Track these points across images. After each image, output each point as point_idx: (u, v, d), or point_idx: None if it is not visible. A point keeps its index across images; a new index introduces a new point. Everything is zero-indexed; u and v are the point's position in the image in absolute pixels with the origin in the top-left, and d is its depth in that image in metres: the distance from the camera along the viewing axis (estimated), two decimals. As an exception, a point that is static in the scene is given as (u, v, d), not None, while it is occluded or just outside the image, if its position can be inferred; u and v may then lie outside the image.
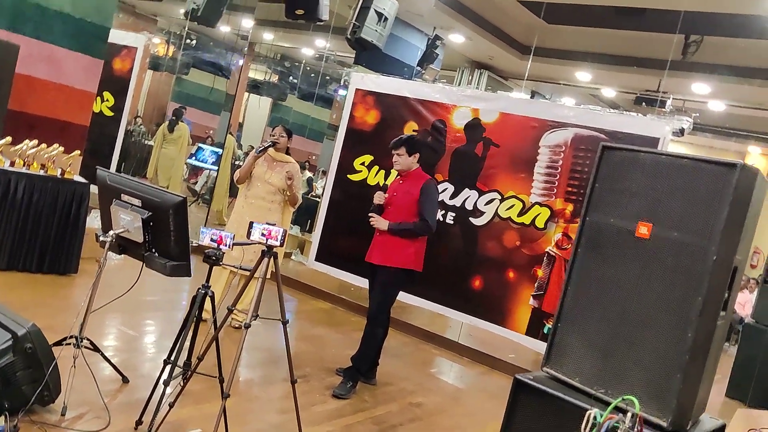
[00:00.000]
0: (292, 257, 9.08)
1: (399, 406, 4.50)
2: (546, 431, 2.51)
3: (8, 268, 5.29)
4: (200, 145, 13.15)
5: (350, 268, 6.51)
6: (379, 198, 4.57)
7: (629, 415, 1.36)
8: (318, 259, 6.99)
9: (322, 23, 7.66)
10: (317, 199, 9.86)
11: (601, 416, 1.24)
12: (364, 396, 4.50)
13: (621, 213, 2.57)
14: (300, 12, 7.33)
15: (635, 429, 1.35)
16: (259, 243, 2.89)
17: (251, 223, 2.92)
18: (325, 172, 10.44)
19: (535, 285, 5.73)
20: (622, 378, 2.40)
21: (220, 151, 11.31)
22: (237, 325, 5.22)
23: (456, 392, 5.33)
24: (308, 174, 12.87)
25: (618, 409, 1.38)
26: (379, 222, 4.51)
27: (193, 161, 12.84)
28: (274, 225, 2.87)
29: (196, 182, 13.26)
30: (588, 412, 1.22)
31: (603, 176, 2.67)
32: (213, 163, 12.38)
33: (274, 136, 5.26)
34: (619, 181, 2.60)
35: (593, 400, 2.32)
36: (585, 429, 1.21)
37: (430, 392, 4.99)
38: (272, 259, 2.92)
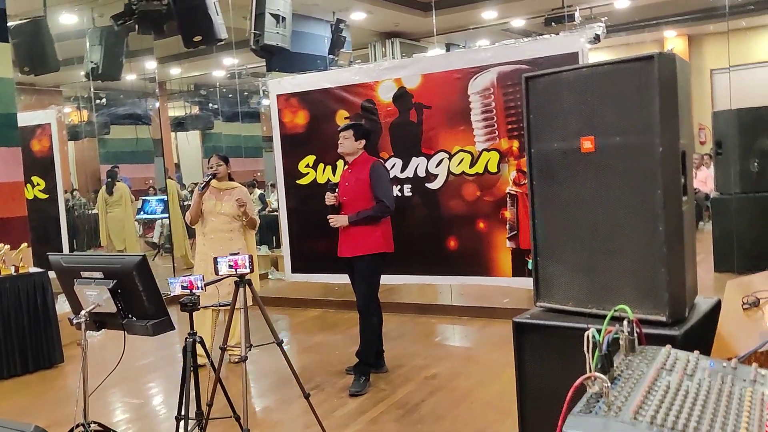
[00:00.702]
0: (269, 276, 9.02)
1: (416, 383, 4.53)
2: (556, 361, 2.55)
3: (-6, 380, 5.17)
4: (144, 198, 12.94)
5: (328, 269, 6.47)
6: (329, 199, 4.55)
7: (625, 323, 1.39)
8: (295, 270, 6.96)
9: (223, 42, 7.55)
10: (275, 213, 9.80)
11: (599, 333, 1.26)
12: (380, 385, 4.52)
13: (562, 135, 2.60)
14: (198, 38, 7.22)
15: (634, 334, 1.38)
16: (230, 276, 2.87)
17: (215, 259, 2.90)
18: (274, 185, 10.36)
19: (507, 227, 5.79)
20: (611, 289, 2.45)
21: (166, 197, 11.14)
22: (236, 360, 5.17)
23: (465, 352, 5.38)
24: (258, 191, 12.76)
25: (614, 320, 1.41)
26: (339, 220, 4.51)
27: (142, 216, 12.64)
28: (237, 254, 2.84)
29: (152, 235, 13.05)
30: (586, 333, 1.24)
31: (534, 106, 2.69)
32: (162, 212, 12.20)
33: (211, 167, 5.20)
34: (551, 106, 2.63)
35: (590, 318, 2.38)
36: (587, 349, 1.23)
37: (441, 360, 5.03)
38: (247, 286, 2.90)
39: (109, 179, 10.92)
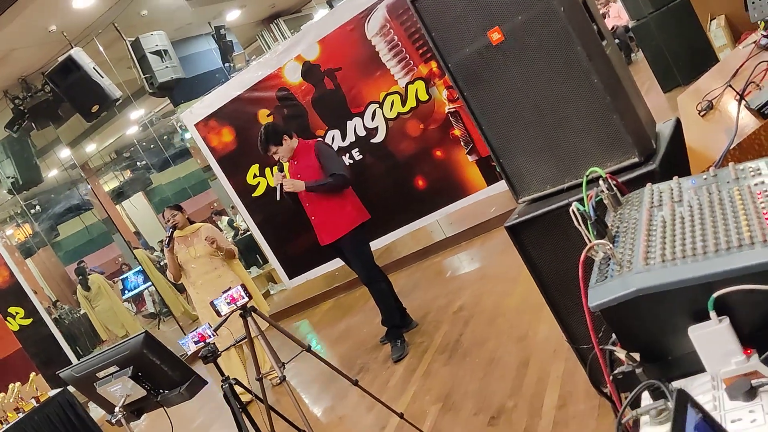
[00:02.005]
0: (271, 292, 9.01)
1: (448, 323, 4.60)
2: (560, 243, 2.60)
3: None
4: (122, 277, 12.81)
5: (320, 260, 6.49)
6: (278, 178, 4.43)
7: (601, 182, 1.41)
8: (291, 276, 6.95)
9: (120, 100, 7.38)
10: (249, 232, 9.73)
11: (582, 203, 1.29)
12: (416, 340, 4.58)
13: (469, 38, 2.59)
14: (95, 108, 7.05)
15: (613, 188, 1.40)
16: (233, 312, 2.87)
17: (212, 303, 2.89)
18: (234, 207, 10.27)
19: (462, 143, 5.81)
20: (577, 156, 2.49)
21: (141, 267, 11.03)
22: (277, 382, 5.19)
23: (478, 273, 5.45)
24: (225, 218, 12.64)
25: (591, 185, 1.44)
26: (296, 185, 4.38)
27: (128, 294, 12.54)
28: (228, 289, 2.84)
29: (146, 307, 12.95)
30: (570, 209, 1.26)
31: (431, 23, 2.67)
32: (145, 281, 12.10)
33: (168, 221, 5.14)
34: (446, 15, 2.61)
35: (572, 190, 2.42)
36: (579, 223, 1.25)
37: (461, 291, 5.09)
38: (253, 313, 2.90)
39: (80, 276, 10.77)
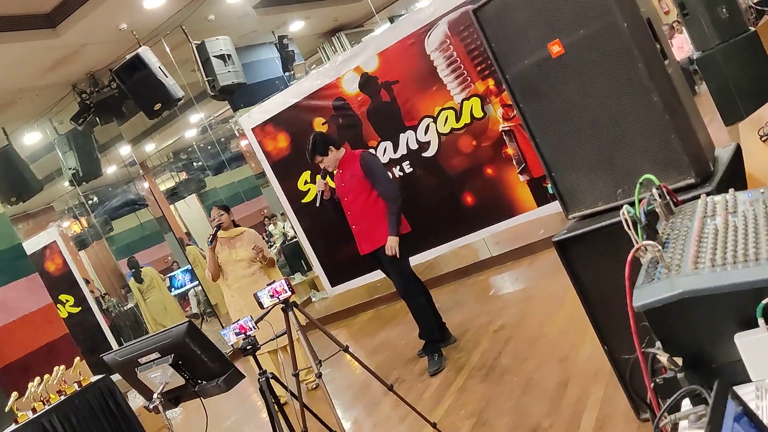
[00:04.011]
0: (313, 300, 9.07)
1: (488, 340, 4.55)
2: (608, 262, 2.55)
3: (99, 493, 5.24)
4: (170, 275, 13.07)
5: (363, 270, 6.50)
6: (320, 185, 4.47)
7: (654, 191, 1.39)
8: (333, 284, 6.99)
9: (182, 100, 7.58)
10: (295, 239, 9.84)
11: (633, 207, 1.27)
12: (454, 355, 4.55)
13: (528, 50, 2.60)
14: (158, 106, 7.26)
15: (667, 197, 1.38)
16: (275, 305, 2.90)
17: (255, 295, 2.93)
18: (283, 214, 10.41)
19: (514, 162, 5.78)
20: (632, 174, 2.45)
21: (189, 266, 11.24)
22: (314, 386, 5.22)
23: (522, 294, 5.39)
24: (281, 224, 12.73)
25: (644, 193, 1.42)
26: (392, 244, 4.44)
27: (173, 292, 12.77)
28: (273, 282, 2.87)
29: (190, 308, 13.16)
30: (621, 212, 1.25)
31: (492, 34, 2.69)
32: (192, 280, 12.31)
33: (213, 220, 5.23)
34: (507, 27, 2.62)
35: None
36: (628, 226, 1.23)
37: (503, 311, 5.04)
38: (294, 308, 2.93)
39: (133, 269, 11.04)
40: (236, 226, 5.29)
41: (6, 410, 5.01)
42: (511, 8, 2.59)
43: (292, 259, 10.13)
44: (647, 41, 2.45)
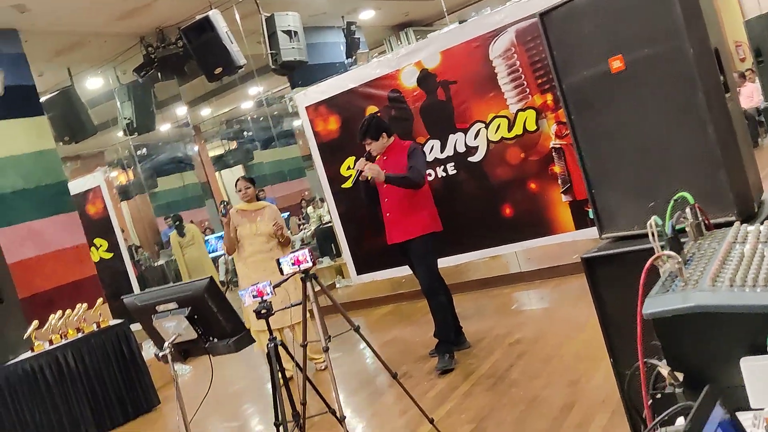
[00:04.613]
0: (336, 285, 9.11)
1: (501, 351, 4.51)
2: (635, 289, 2.50)
3: (100, 433, 5.36)
4: (205, 238, 13.25)
5: (390, 262, 6.50)
6: (360, 164, 4.43)
7: (688, 210, 1.36)
8: (359, 272, 7.00)
9: (242, 68, 7.68)
10: (329, 224, 9.89)
11: (661, 221, 1.24)
12: (466, 361, 4.52)
13: (589, 62, 2.55)
14: (219, 70, 7.37)
15: (699, 218, 1.35)
16: (294, 273, 2.92)
17: (278, 260, 2.95)
18: (322, 199, 10.47)
19: (559, 181, 5.71)
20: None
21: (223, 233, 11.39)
22: (322, 368, 5.25)
23: (545, 313, 5.33)
24: (319, 210, 12.80)
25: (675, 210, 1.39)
26: (378, 172, 4.34)
27: (206, 257, 12.94)
28: (297, 249, 2.89)
29: (218, 273, 13.34)
30: (648, 222, 1.22)
31: (555, 41, 2.65)
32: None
33: (240, 191, 5.31)
34: (572, 36, 2.59)
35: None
36: (653, 237, 1.21)
37: (523, 326, 5.00)
38: (313, 280, 2.94)
39: (177, 222, 11.25)
40: (259, 199, 5.38)
41: (24, 337, 5.15)
42: (578, 17, 2.55)
43: (324, 242, 10.18)
44: (711, 71, 2.39)
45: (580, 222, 5.63)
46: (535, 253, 6.35)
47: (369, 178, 4.63)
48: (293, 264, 2.87)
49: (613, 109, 2.54)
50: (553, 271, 6.11)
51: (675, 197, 1.42)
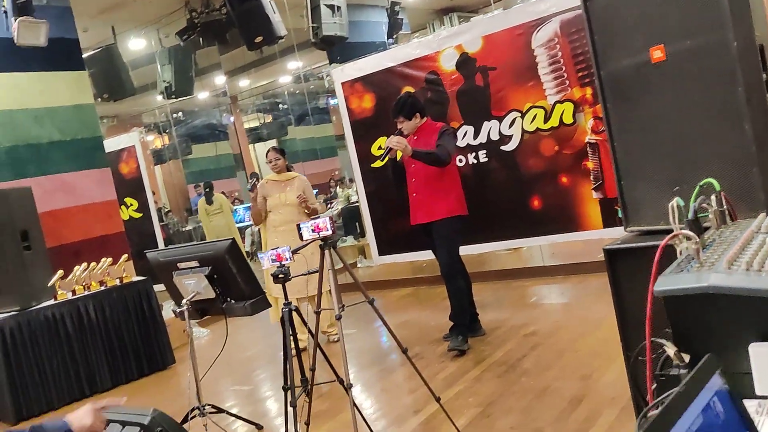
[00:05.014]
0: (358, 264, 9.13)
1: (516, 342, 4.49)
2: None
3: (115, 385, 5.45)
4: (234, 208, 13.37)
5: (413, 246, 6.48)
6: (391, 141, 4.33)
7: (713, 197, 1.33)
8: (381, 253, 7.01)
9: (282, 39, 7.69)
10: (356, 204, 9.90)
11: (683, 202, 1.22)
12: (479, 347, 4.51)
13: (629, 51, 2.51)
14: (259, 39, 7.39)
15: (724, 204, 1.32)
16: (314, 240, 2.93)
17: (298, 225, 2.96)
18: (352, 180, 10.48)
19: (591, 178, 5.63)
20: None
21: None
22: (335, 339, 5.27)
23: (563, 308, 5.29)
24: (348, 190, 12.82)
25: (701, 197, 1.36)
26: (405, 146, 4.27)
27: (233, 226, 13.04)
28: (318, 216, 2.90)
29: (244, 245, 13.45)
30: (670, 204, 1.20)
31: (597, 27, 2.61)
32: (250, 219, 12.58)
33: (270, 162, 5.34)
34: (614, 23, 2.54)
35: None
36: (673, 218, 1.18)
37: (539, 319, 4.96)
38: (332, 249, 2.95)
39: (207, 189, 11.36)
40: (289, 170, 5.41)
41: (48, 285, 5.26)
42: (622, 4, 2.50)
43: (349, 222, 10.21)
44: (754, 67, 2.33)
45: (609, 220, 5.55)
46: (560, 249, 6.30)
47: (398, 158, 4.62)
48: (313, 230, 2.88)
49: (650, 100, 2.49)
50: (576, 268, 6.05)
51: (701, 183, 1.39)
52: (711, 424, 0.67)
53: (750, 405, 1.02)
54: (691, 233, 1.13)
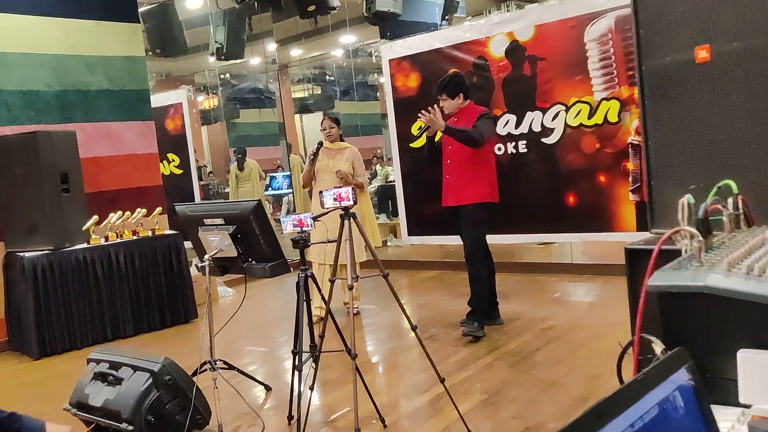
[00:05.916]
0: (388, 243, 9.14)
1: (532, 334, 4.46)
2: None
3: (137, 333, 5.59)
4: (272, 174, 13.48)
5: (442, 230, 6.45)
6: (426, 118, 4.33)
7: (729, 200, 1.29)
8: (411, 233, 7.01)
9: (335, 10, 7.67)
10: (392, 182, 9.89)
11: (694, 200, 1.18)
12: (494, 336, 4.49)
13: (674, 48, 2.44)
14: (312, 8, 7.39)
15: (740, 208, 1.28)
16: (335, 209, 2.94)
17: (321, 192, 2.98)
18: (391, 159, 10.47)
19: (630, 179, 5.53)
20: (731, 204, 2.29)
21: (290, 173, 11.55)
22: (356, 312, 5.30)
23: (585, 307, 5.23)
24: (387, 168, 12.81)
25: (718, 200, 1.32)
26: (437, 120, 4.27)
27: (270, 192, 13.18)
28: (341, 187, 2.91)
29: (281, 213, 13.57)
30: (680, 201, 1.17)
31: (644, 21, 2.54)
32: (288, 187, 12.68)
33: (324, 129, 5.37)
34: (662, 18, 2.48)
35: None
36: (681, 215, 1.15)
37: (559, 314, 4.92)
38: (352, 219, 2.96)
39: (239, 155, 11.46)
40: (342, 140, 5.44)
41: (83, 229, 5.39)
42: (673, 1, 2.44)
43: (383, 200, 10.23)
44: (802, 76, 2.25)
45: (644, 224, 5.42)
46: (590, 248, 6.22)
47: (436, 139, 4.60)
48: (335, 199, 2.89)
49: (690, 100, 2.43)
50: (604, 269, 5.96)
51: (719, 184, 1.35)
52: (666, 418, 0.66)
53: (731, 413, 1.00)
54: (695, 231, 1.10)
